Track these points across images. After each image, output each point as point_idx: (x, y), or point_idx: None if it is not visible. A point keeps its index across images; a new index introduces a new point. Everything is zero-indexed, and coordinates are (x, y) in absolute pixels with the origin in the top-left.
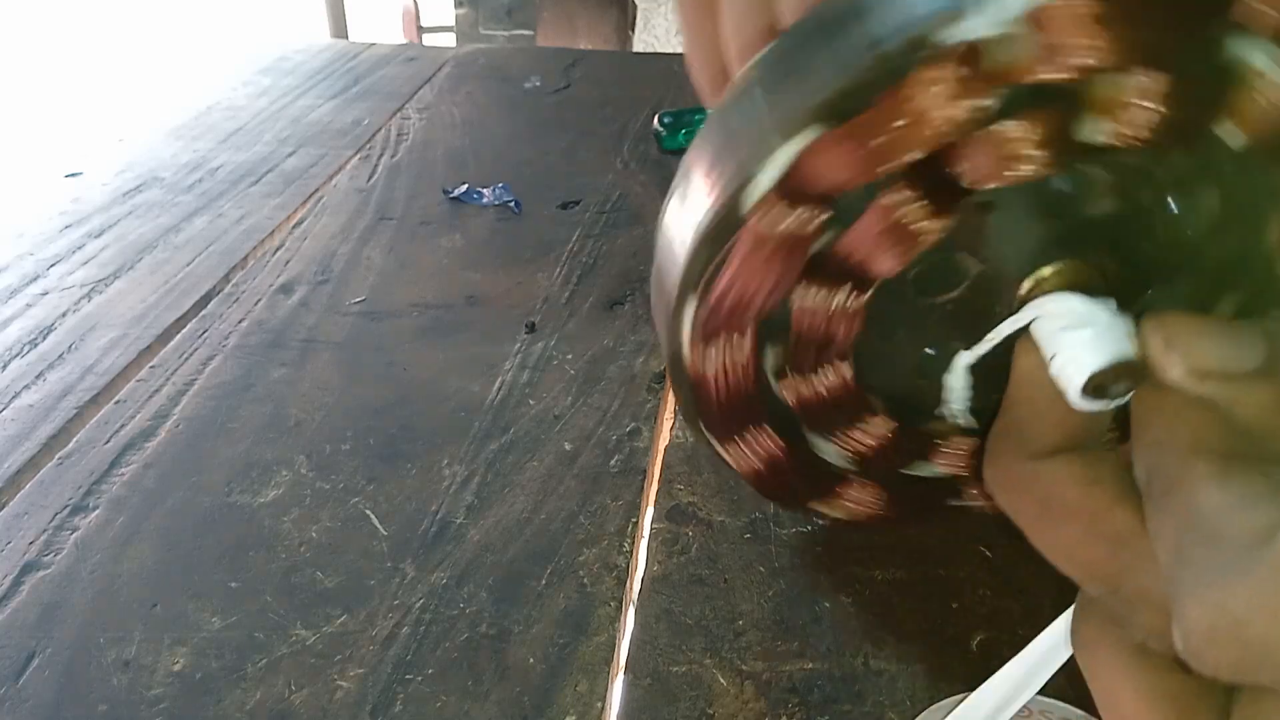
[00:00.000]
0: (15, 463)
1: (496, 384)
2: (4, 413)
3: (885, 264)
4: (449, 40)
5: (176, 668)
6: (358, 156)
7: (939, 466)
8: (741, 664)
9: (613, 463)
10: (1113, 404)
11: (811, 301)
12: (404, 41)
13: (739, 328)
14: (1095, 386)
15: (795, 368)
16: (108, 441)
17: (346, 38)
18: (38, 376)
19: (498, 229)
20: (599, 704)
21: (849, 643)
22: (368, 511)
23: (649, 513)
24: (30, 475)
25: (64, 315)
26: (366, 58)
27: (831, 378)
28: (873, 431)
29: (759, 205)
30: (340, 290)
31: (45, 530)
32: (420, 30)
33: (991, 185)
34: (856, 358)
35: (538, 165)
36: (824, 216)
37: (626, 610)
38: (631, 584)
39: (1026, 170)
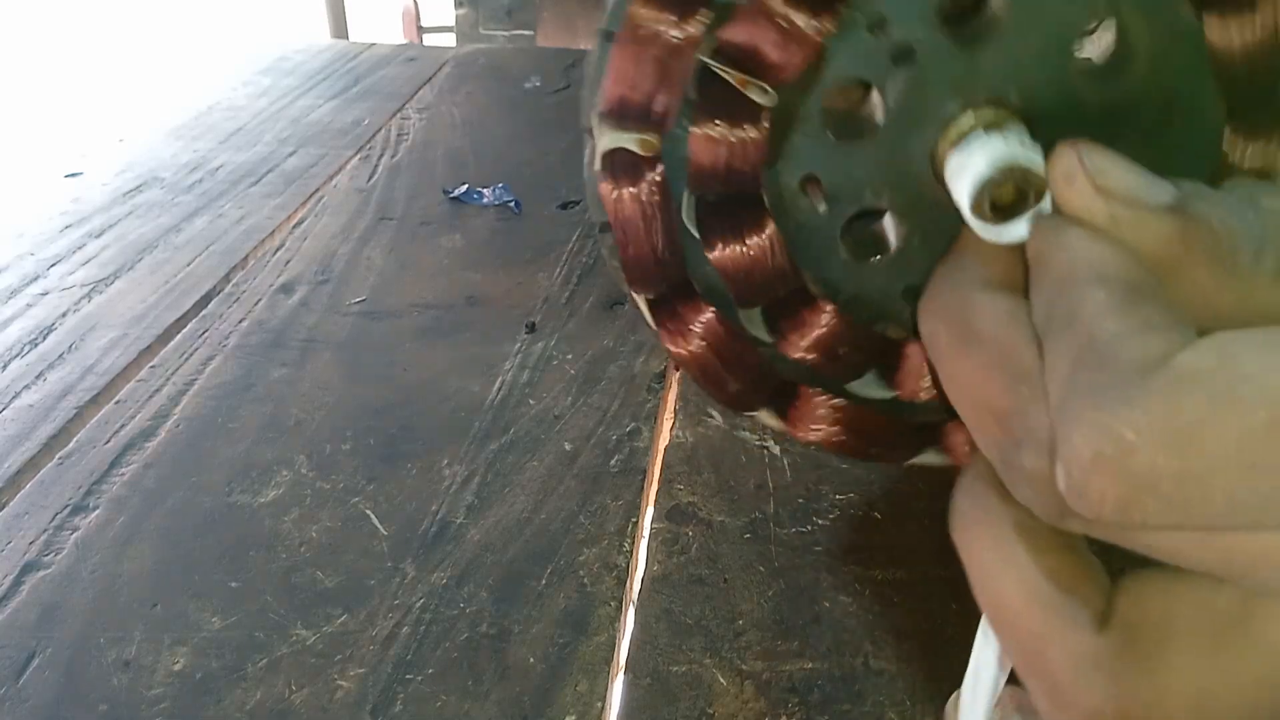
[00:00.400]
0: (15, 463)
1: (496, 384)
2: (4, 413)
3: (774, 57)
4: (449, 40)
5: (177, 668)
6: (358, 157)
7: (895, 389)
8: (741, 664)
9: (613, 463)
10: (1012, 230)
11: (708, 130)
12: (404, 42)
13: (642, 144)
14: (992, 203)
15: (711, 224)
16: (108, 441)
17: (347, 38)
18: (38, 376)
19: (498, 229)
20: (599, 704)
21: (849, 643)
22: (368, 511)
23: (649, 513)
24: (30, 475)
25: (64, 315)
26: (367, 58)
27: (754, 240)
28: (812, 323)
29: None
30: (340, 290)
31: (45, 530)
32: (420, 30)
33: None
34: (781, 220)
35: (538, 165)
36: (702, 15)
37: (626, 610)
38: (631, 584)
39: None
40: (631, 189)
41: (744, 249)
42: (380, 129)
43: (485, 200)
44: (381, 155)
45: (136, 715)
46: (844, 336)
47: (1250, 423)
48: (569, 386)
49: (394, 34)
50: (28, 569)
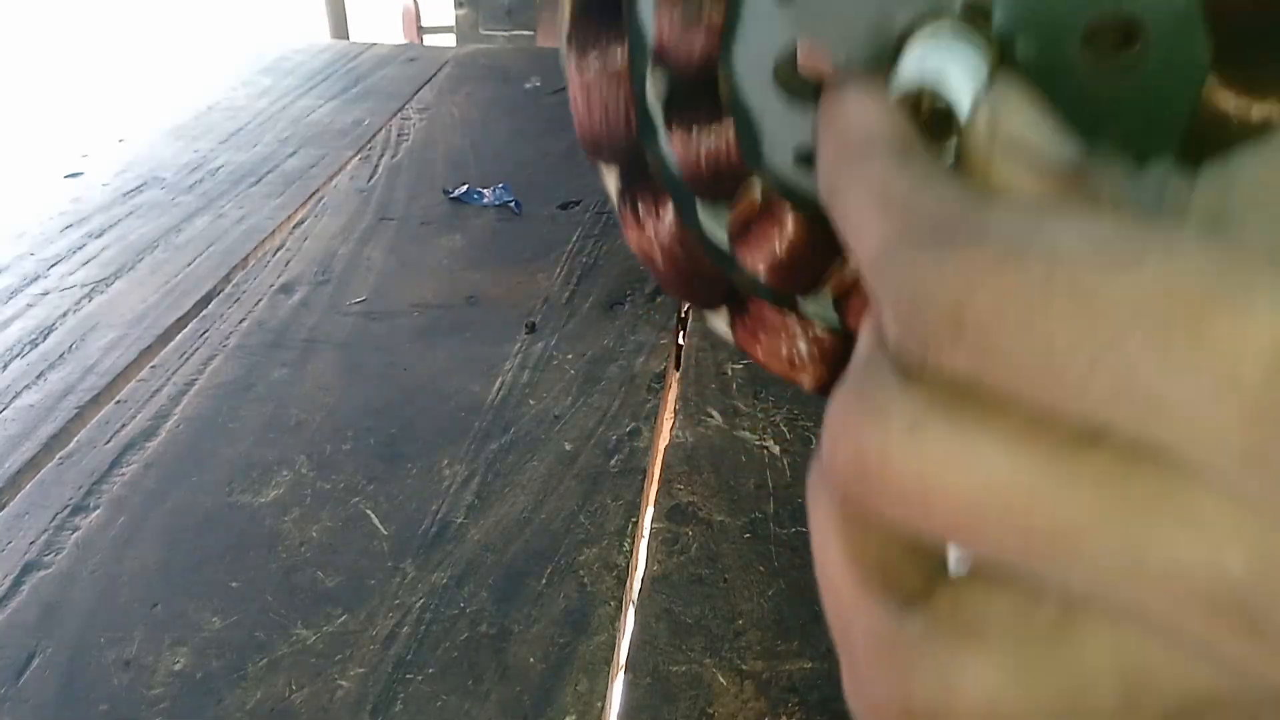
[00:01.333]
0: (16, 463)
1: (496, 384)
2: (5, 413)
3: None
4: (449, 41)
5: (177, 667)
6: (358, 157)
7: (845, 319)
8: (741, 663)
9: (613, 463)
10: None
11: (670, 7)
12: (404, 42)
13: (606, 24)
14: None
15: (673, 113)
16: (108, 441)
17: (347, 38)
18: (38, 376)
19: (498, 229)
20: (599, 703)
21: None
22: (368, 511)
23: (649, 512)
24: (31, 475)
25: (65, 315)
26: (367, 58)
27: (713, 138)
28: (776, 236)
29: None
30: (341, 290)
31: (46, 530)
32: (420, 30)
33: None
34: (741, 118)
35: (538, 165)
36: None
37: (626, 610)
38: (631, 583)
39: None
40: (596, 58)
41: (701, 140)
42: (380, 129)
43: (485, 200)
44: (382, 155)
45: (137, 715)
46: (801, 249)
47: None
48: (569, 386)
49: (394, 34)
50: (28, 569)
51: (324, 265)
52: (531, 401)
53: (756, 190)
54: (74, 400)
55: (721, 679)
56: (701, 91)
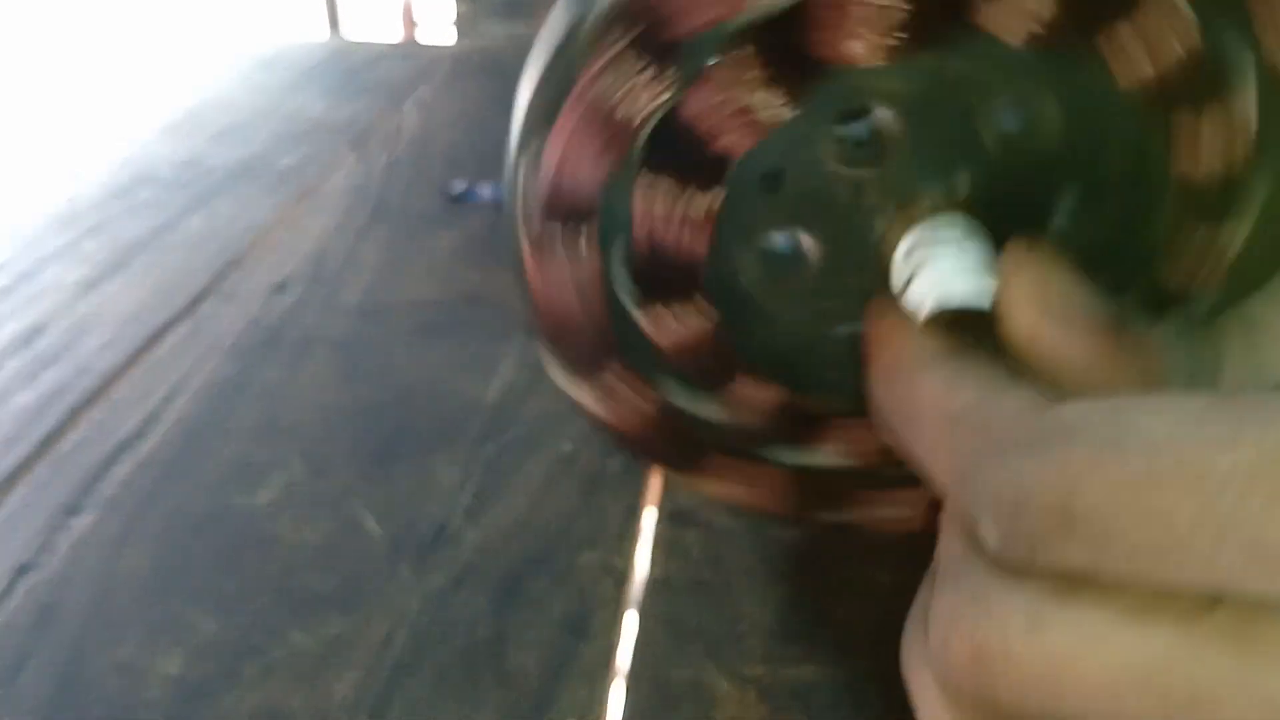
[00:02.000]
0: (9, 464)
1: (495, 384)
2: None
3: (727, 140)
4: (447, 37)
5: (172, 671)
6: (354, 154)
7: (836, 454)
8: (744, 669)
9: (613, 464)
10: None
11: (654, 194)
12: (402, 38)
13: (573, 215)
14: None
15: (648, 295)
16: (102, 442)
17: (344, 34)
18: (32, 376)
19: (496, 227)
20: (598, 709)
21: (854, 647)
22: (364, 513)
23: (650, 515)
24: (24, 476)
25: (58, 314)
26: (364, 54)
27: (692, 319)
28: (755, 398)
29: (593, 46)
30: (336, 289)
31: (40, 532)
32: (417, 26)
33: (837, 59)
34: (721, 301)
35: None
36: (661, 74)
37: (626, 614)
38: (631, 587)
39: (873, 44)
40: (562, 248)
41: (685, 324)
42: (377, 126)
43: (483, 198)
44: (378, 153)
45: (132, 718)
46: (786, 406)
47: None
48: None
49: (391, 30)
50: (21, 571)
51: (319, 263)
52: (530, 402)
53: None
54: (68, 400)
55: (723, 684)
56: (684, 277)
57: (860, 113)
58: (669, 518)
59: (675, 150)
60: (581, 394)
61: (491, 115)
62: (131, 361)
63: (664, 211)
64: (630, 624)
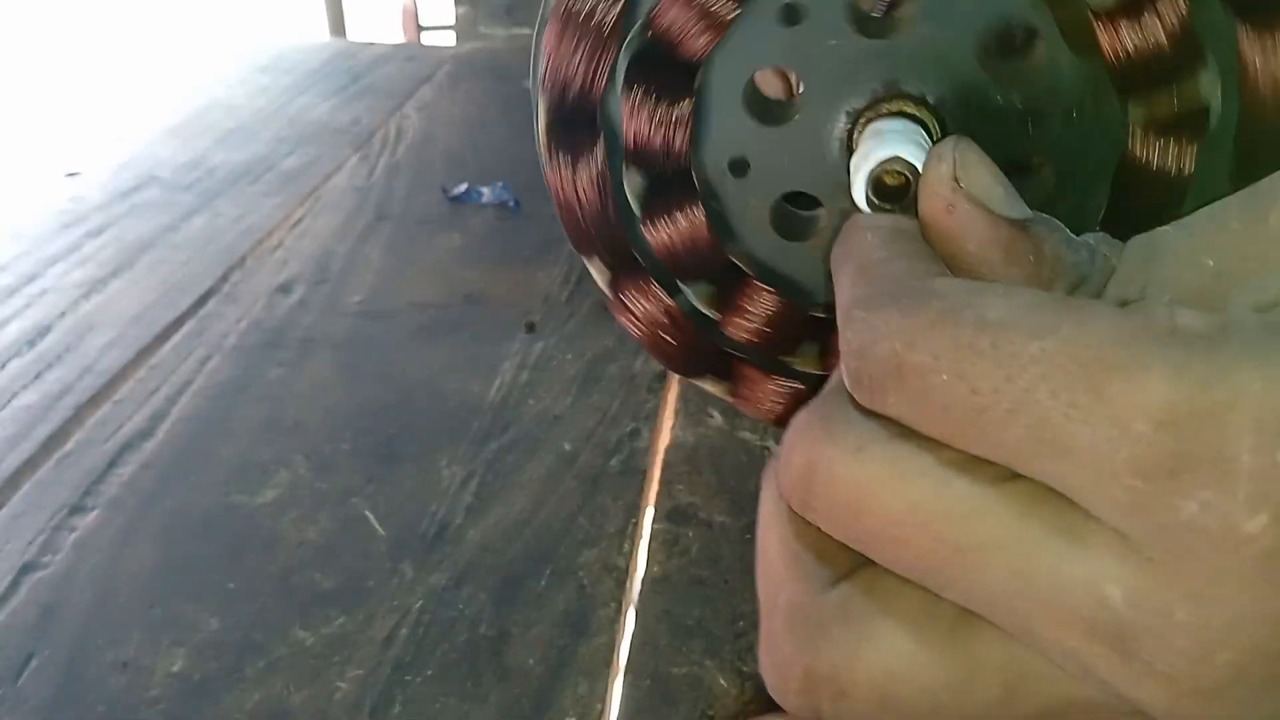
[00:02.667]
0: (13, 463)
1: (496, 384)
2: (2, 413)
3: (695, 43)
4: (448, 39)
5: (175, 669)
6: (356, 155)
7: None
8: (742, 665)
9: (613, 463)
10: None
11: (638, 106)
12: (403, 40)
13: (575, 123)
14: (878, 190)
15: (647, 200)
16: (106, 442)
17: (345, 36)
18: (36, 376)
19: (497, 228)
20: (599, 706)
21: None
22: (366, 512)
23: (649, 513)
24: (28, 475)
25: (62, 315)
26: (365, 56)
27: (685, 221)
28: (754, 304)
29: None
30: (339, 290)
31: (44, 531)
32: (419, 29)
33: None
34: (710, 202)
35: (537, 164)
36: None
37: (626, 611)
38: (631, 585)
39: None
40: (572, 162)
41: (678, 227)
42: (379, 128)
43: (484, 199)
44: (380, 154)
45: (135, 716)
46: (783, 319)
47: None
48: (569, 386)
49: (393, 32)
50: (26, 569)
51: (322, 264)
52: (531, 401)
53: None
54: (71, 400)
55: (722, 680)
56: (676, 181)
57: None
58: (668, 516)
59: (652, 65)
60: (609, 294)
61: (492, 116)
62: (135, 362)
63: (647, 121)
64: (630, 621)
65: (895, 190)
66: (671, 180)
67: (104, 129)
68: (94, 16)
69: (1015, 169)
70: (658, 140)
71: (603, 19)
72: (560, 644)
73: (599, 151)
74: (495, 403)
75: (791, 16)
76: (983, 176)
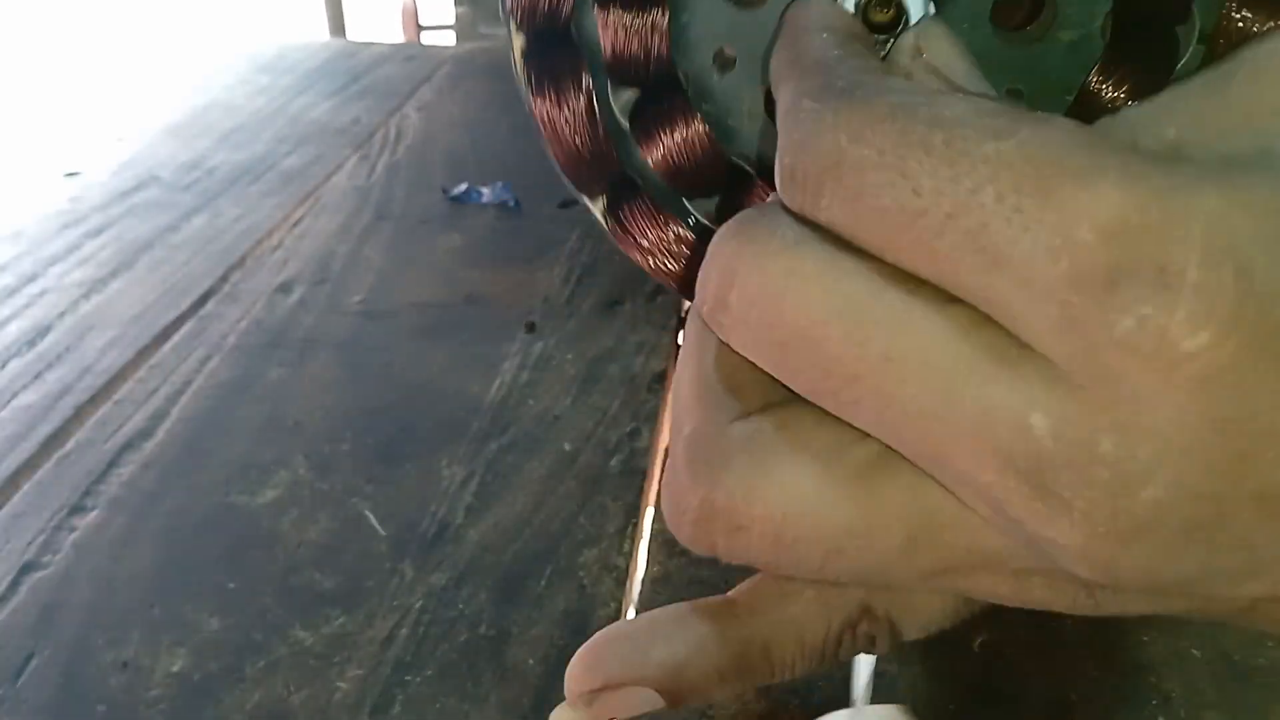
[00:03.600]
0: (13, 463)
1: (496, 384)
2: (2, 413)
3: None
4: (448, 39)
5: (175, 669)
6: (356, 155)
7: None
8: None
9: (613, 463)
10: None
11: (610, 14)
12: (403, 40)
13: (559, 52)
14: (866, 19)
15: (639, 117)
16: (106, 442)
17: (345, 36)
18: (36, 376)
19: (497, 228)
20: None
21: None
22: (366, 512)
23: (649, 513)
24: (29, 475)
25: (62, 315)
26: (365, 56)
27: (678, 132)
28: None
29: None
30: (339, 290)
31: (44, 531)
32: (419, 29)
33: None
34: (703, 104)
35: (537, 164)
36: None
37: (626, 611)
38: (631, 585)
39: None
40: (554, 88)
41: (673, 139)
42: (379, 128)
43: (484, 199)
44: (380, 154)
45: (135, 716)
46: None
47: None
48: (569, 386)
49: (393, 32)
50: (26, 569)
51: (322, 264)
52: (531, 402)
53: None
54: (71, 400)
55: None
56: (665, 91)
57: None
58: None
59: None
60: (608, 226)
61: (492, 116)
62: (135, 362)
63: (623, 31)
64: None
65: (883, 25)
66: (659, 90)
67: (104, 129)
68: (94, 16)
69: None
70: (636, 48)
71: None
72: (560, 644)
73: (581, 74)
74: (495, 403)
75: None
76: (946, 49)
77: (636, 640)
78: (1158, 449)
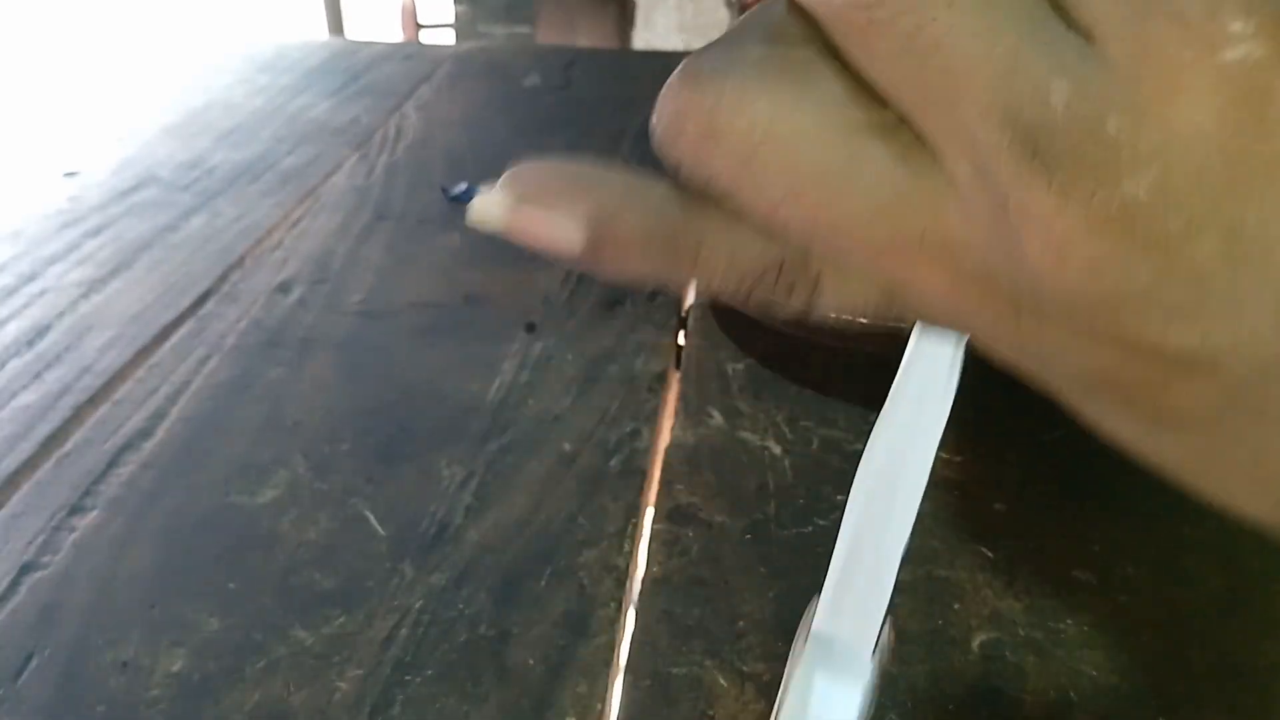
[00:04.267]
0: (13, 463)
1: (496, 384)
2: (1, 413)
3: None
4: (448, 38)
5: (175, 669)
6: (356, 155)
7: None
8: (742, 665)
9: (612, 463)
10: None
11: None
12: (402, 39)
13: None
14: None
15: None
16: (105, 442)
17: (344, 35)
18: (35, 376)
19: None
20: (599, 706)
21: None
22: (366, 512)
23: (649, 514)
24: (28, 475)
25: (61, 315)
26: (364, 55)
27: None
28: None
29: None
30: (338, 290)
31: (43, 531)
32: (418, 27)
33: None
34: None
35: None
36: None
37: (626, 611)
38: (631, 585)
39: None
40: None
41: None
42: (378, 127)
43: None
44: (379, 154)
45: (134, 716)
46: None
47: None
48: (569, 386)
49: (392, 31)
50: (25, 569)
51: (321, 264)
52: (531, 402)
53: None
54: (71, 400)
55: (722, 681)
56: None
57: None
58: (668, 517)
59: None
60: None
61: (492, 116)
62: (134, 361)
63: None
64: (630, 621)
65: None
66: None
67: (103, 129)
68: (94, 16)
69: None
70: None
71: None
72: (560, 644)
73: None
74: (495, 403)
75: None
76: None
77: (589, 176)
78: (1158, 142)
